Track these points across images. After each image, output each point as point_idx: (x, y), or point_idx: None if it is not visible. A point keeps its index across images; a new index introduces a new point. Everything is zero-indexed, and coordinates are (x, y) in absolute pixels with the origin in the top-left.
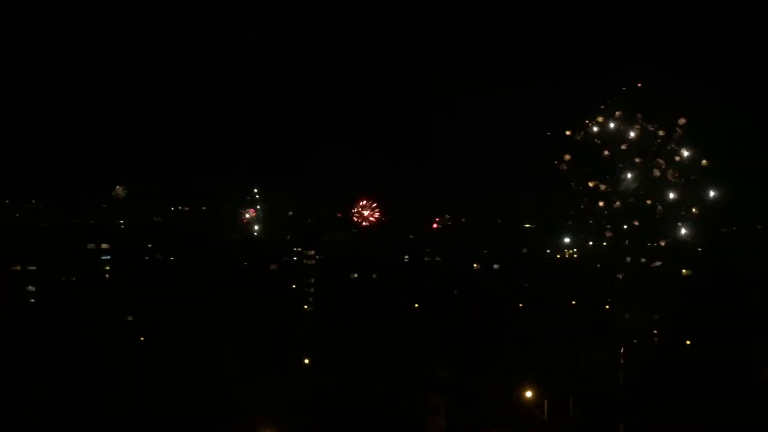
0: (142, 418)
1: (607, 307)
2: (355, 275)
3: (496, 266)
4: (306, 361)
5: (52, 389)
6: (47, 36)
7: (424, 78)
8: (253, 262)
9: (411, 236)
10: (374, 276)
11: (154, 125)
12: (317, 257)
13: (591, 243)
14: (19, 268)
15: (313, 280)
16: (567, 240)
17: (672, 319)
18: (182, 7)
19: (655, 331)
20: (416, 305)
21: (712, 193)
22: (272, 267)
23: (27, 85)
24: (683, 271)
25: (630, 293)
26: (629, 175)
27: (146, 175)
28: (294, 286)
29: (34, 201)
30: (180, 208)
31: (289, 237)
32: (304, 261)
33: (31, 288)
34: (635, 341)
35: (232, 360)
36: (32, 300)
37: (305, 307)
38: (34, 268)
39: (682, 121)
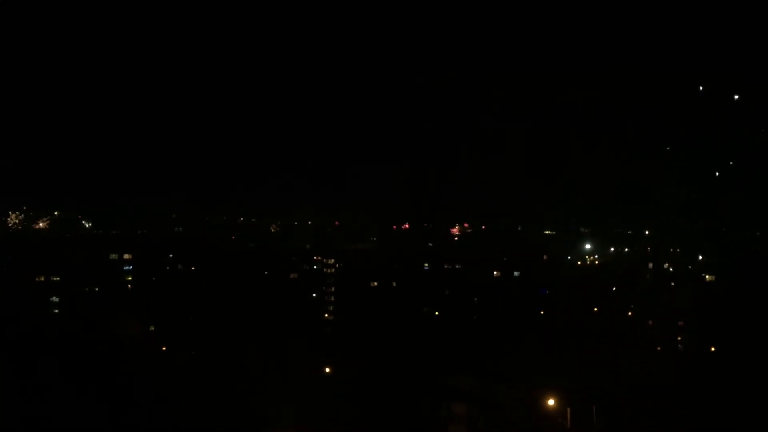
0: (164, 426)
1: (630, 313)
2: (375, 283)
3: (516, 273)
4: (327, 369)
5: (75, 398)
6: (70, 60)
7: (444, 86)
8: (274, 271)
9: (430, 244)
10: (394, 284)
11: (177, 138)
12: (337, 266)
13: (612, 249)
14: (42, 279)
15: (333, 289)
16: (588, 246)
17: (696, 325)
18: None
19: (679, 338)
20: (437, 313)
21: None
22: (292, 276)
23: (51, 100)
24: (707, 277)
25: (653, 299)
26: None
27: (166, 185)
28: (314, 294)
29: (57, 212)
30: (201, 218)
31: (308, 246)
32: (324, 270)
33: (54, 299)
34: (659, 347)
35: (253, 369)
36: (56, 311)
37: (325, 315)
38: (58, 278)
39: None
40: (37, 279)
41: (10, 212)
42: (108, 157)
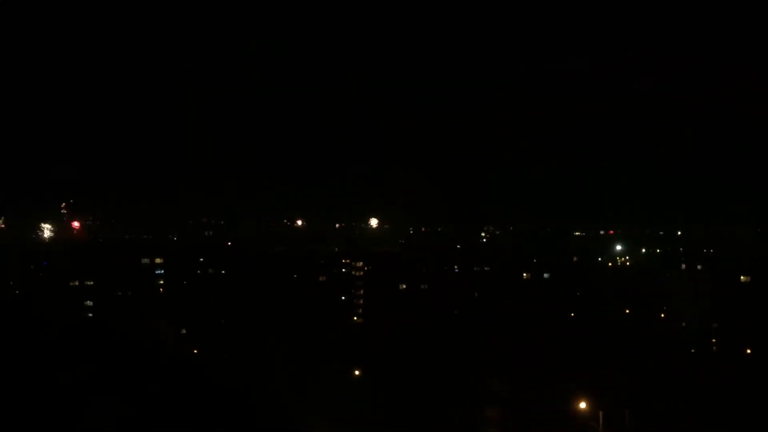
0: (196, 427)
1: (663, 315)
2: (404, 286)
3: (546, 275)
4: (356, 372)
5: (108, 400)
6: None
7: (462, 87)
8: (302, 274)
9: (459, 246)
10: (423, 287)
11: (207, 143)
12: (366, 268)
13: (644, 250)
14: (77, 283)
15: (361, 292)
16: (619, 247)
17: (731, 327)
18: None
19: (714, 340)
20: (466, 315)
21: None
22: (321, 279)
23: (86, 110)
24: (742, 277)
25: (686, 301)
26: None
27: (197, 190)
28: (343, 297)
29: (90, 218)
30: (230, 222)
31: (337, 249)
32: (353, 272)
33: (88, 302)
34: (692, 350)
35: (284, 371)
36: (89, 314)
37: (354, 318)
38: (92, 283)
39: None
40: (71, 283)
41: (43, 223)
42: (138, 164)
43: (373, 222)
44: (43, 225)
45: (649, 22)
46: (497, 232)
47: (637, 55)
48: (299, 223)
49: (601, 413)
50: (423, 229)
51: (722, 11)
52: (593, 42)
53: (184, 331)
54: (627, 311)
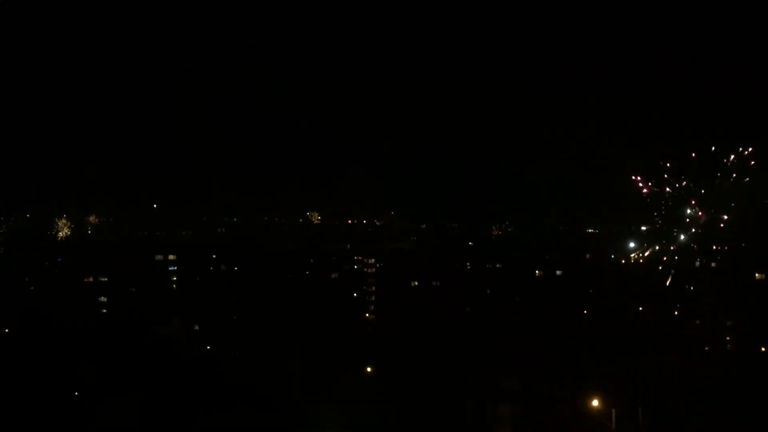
0: (208, 424)
1: (677, 313)
2: (416, 283)
3: (558, 272)
4: (368, 369)
5: (121, 396)
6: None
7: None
8: (315, 270)
9: (471, 243)
10: (435, 283)
11: (208, 146)
12: (378, 265)
13: (658, 247)
14: (91, 279)
15: (374, 288)
16: (632, 245)
17: (745, 324)
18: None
19: (728, 338)
20: (479, 312)
21: None
22: (333, 275)
23: (97, 110)
24: (757, 275)
25: (700, 298)
26: None
27: (211, 188)
28: (355, 294)
29: (104, 219)
30: (243, 219)
31: (349, 246)
32: (365, 269)
33: (103, 299)
34: (706, 348)
35: (296, 369)
36: (104, 310)
37: (366, 315)
38: (106, 279)
39: None
40: (85, 280)
41: (56, 219)
42: (150, 162)
43: (385, 219)
44: (58, 221)
45: (649, 22)
46: (509, 229)
47: (636, 55)
48: (311, 220)
49: (613, 411)
50: (435, 225)
51: (722, 11)
52: (593, 42)
53: (196, 328)
54: (640, 309)
